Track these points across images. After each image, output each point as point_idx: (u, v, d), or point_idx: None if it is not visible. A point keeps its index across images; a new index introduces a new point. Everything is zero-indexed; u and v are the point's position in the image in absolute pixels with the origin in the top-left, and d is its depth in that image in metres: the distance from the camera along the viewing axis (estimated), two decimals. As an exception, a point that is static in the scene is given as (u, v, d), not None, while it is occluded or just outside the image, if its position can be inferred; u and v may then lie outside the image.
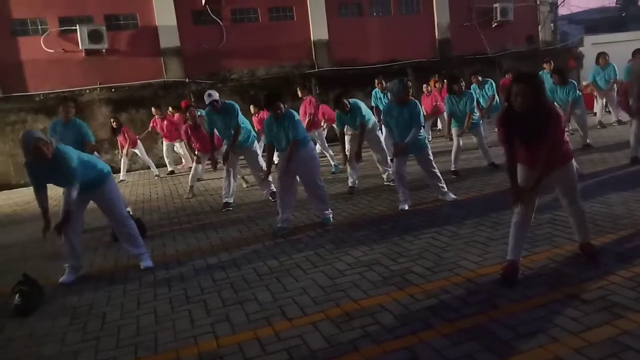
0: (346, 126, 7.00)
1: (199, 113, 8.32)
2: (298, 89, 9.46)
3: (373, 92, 10.51)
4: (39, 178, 4.25)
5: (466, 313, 3.08)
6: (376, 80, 10.34)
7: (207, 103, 6.49)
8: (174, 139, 10.78)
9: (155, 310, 3.69)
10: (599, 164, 6.91)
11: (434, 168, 5.86)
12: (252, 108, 9.89)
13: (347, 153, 7.04)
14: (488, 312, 3.06)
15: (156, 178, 10.68)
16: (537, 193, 3.54)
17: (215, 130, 6.84)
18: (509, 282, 3.40)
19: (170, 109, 10.89)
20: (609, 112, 10.90)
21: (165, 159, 11.10)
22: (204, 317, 3.48)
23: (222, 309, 3.57)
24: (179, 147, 11.09)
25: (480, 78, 9.42)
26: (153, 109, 10.70)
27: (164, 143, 10.99)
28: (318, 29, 13.67)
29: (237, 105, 6.61)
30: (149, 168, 11.30)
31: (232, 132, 6.50)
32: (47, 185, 4.35)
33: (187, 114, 7.97)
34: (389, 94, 6.04)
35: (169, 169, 11.12)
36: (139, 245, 4.71)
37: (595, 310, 2.94)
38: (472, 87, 9.56)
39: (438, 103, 10.93)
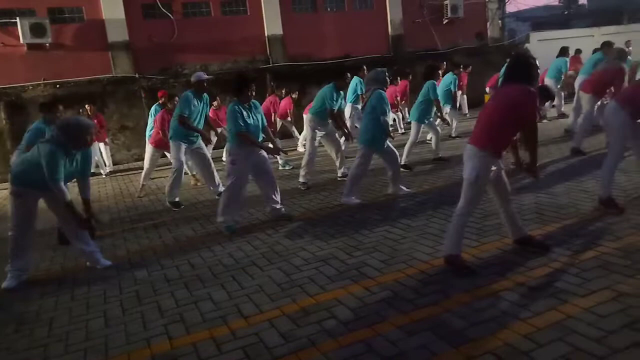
0: (317, 130, 6.95)
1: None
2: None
3: (358, 81, 9.62)
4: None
5: (420, 304, 3.14)
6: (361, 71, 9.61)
7: (198, 80, 6.31)
8: (101, 140, 10.40)
9: (105, 313, 3.57)
10: (545, 156, 7.18)
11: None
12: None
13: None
14: (441, 303, 3.12)
15: (104, 177, 10.35)
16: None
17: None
18: (470, 272, 3.48)
19: (87, 107, 10.17)
20: (554, 105, 11.36)
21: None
22: (157, 318, 3.39)
23: (176, 310, 3.49)
24: (103, 150, 10.65)
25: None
26: (86, 107, 10.21)
27: None
28: (272, 24, 13.54)
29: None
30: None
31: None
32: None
33: (169, 103, 7.68)
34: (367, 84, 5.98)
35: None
36: (89, 243, 4.56)
37: (542, 297, 3.06)
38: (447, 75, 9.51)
39: (398, 97, 11.28)
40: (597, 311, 2.81)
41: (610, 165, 4.53)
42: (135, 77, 12.19)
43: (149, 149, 7.96)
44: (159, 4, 12.26)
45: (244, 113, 5.06)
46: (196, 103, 6.34)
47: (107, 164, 10.80)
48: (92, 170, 10.46)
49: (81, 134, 4.15)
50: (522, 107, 3.37)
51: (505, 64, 9.88)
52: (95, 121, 10.16)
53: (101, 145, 10.52)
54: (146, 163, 7.98)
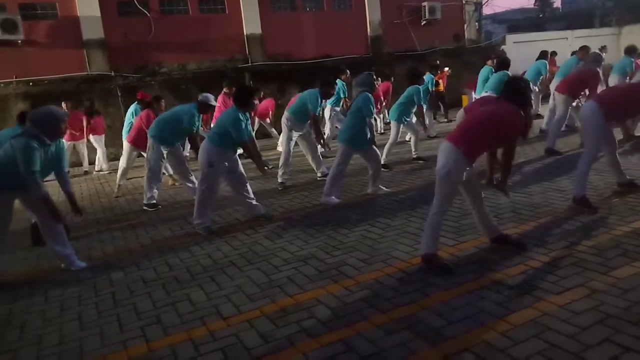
0: (293, 131, 6.95)
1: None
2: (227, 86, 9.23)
3: (341, 84, 9.49)
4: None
5: (399, 303, 3.15)
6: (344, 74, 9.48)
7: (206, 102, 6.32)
8: (78, 138, 10.24)
9: (80, 316, 3.50)
10: (520, 156, 7.30)
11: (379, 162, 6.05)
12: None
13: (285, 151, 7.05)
14: (419, 301, 3.14)
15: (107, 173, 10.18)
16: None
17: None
18: (447, 271, 3.51)
19: (63, 105, 9.87)
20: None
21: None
22: (134, 320, 3.34)
23: (153, 311, 3.44)
24: (82, 148, 10.50)
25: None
26: (63, 104, 9.98)
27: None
28: (251, 23, 13.46)
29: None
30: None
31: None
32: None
33: (156, 105, 7.62)
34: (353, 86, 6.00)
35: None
36: (66, 245, 4.46)
37: (519, 294, 3.10)
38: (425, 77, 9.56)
39: (382, 98, 11.33)
40: (571, 308, 2.86)
41: (584, 165, 4.62)
42: (111, 75, 11.99)
43: (126, 146, 7.83)
44: (135, 1, 12.08)
45: (244, 122, 5.11)
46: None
47: (101, 161, 10.58)
48: (97, 169, 10.40)
49: (55, 124, 4.08)
50: (510, 127, 3.57)
51: (485, 66, 10.21)
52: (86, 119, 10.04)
53: (94, 139, 10.34)
54: (123, 162, 7.84)
